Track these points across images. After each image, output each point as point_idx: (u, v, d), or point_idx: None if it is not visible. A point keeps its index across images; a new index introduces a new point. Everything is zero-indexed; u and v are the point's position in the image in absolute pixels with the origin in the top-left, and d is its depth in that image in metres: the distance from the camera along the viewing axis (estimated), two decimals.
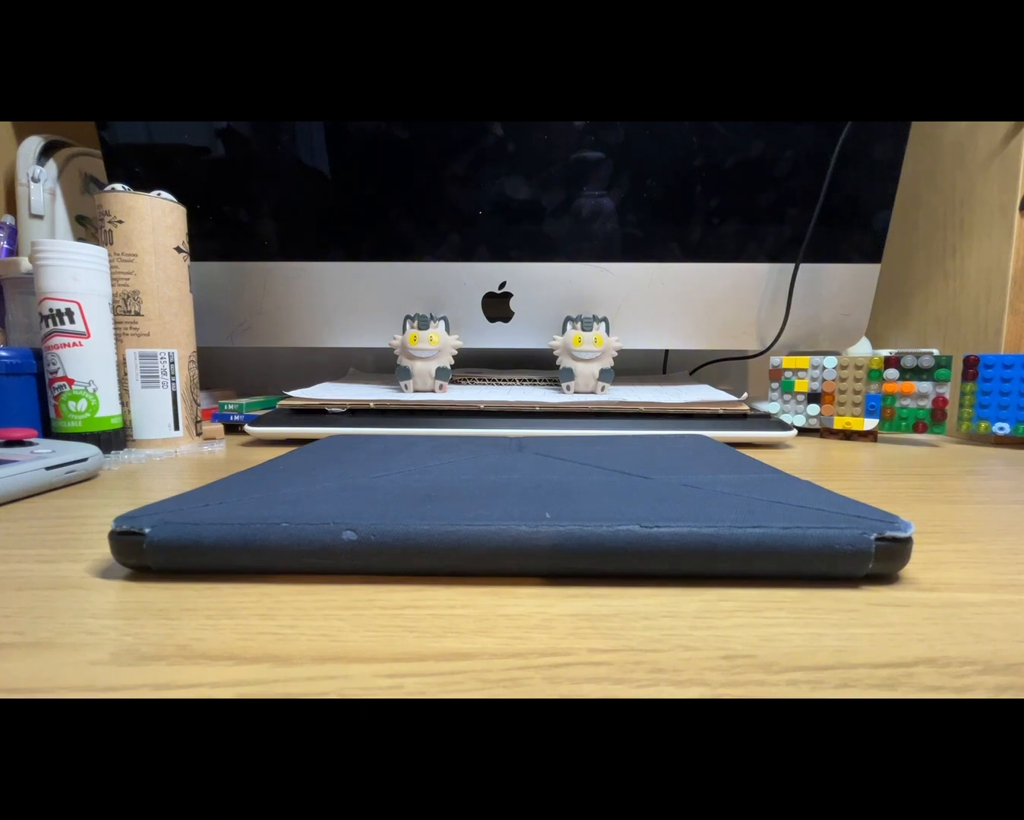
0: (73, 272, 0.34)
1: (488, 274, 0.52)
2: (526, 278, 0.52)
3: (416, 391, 0.49)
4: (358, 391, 0.49)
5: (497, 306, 0.54)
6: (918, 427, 0.42)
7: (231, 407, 0.48)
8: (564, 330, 0.49)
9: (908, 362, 0.42)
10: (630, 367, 0.66)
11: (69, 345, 0.34)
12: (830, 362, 0.45)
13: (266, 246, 0.51)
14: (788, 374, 0.47)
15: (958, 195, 0.52)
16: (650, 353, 0.67)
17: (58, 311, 0.34)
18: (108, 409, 0.36)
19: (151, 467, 0.33)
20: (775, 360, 0.48)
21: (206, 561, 0.16)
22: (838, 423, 0.45)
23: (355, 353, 0.69)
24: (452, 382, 0.53)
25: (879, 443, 0.43)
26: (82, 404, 0.35)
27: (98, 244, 0.36)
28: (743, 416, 0.44)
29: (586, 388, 0.49)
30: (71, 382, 0.35)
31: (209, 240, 0.51)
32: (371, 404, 0.44)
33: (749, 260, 0.51)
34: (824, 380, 0.46)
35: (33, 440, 0.30)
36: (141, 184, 0.40)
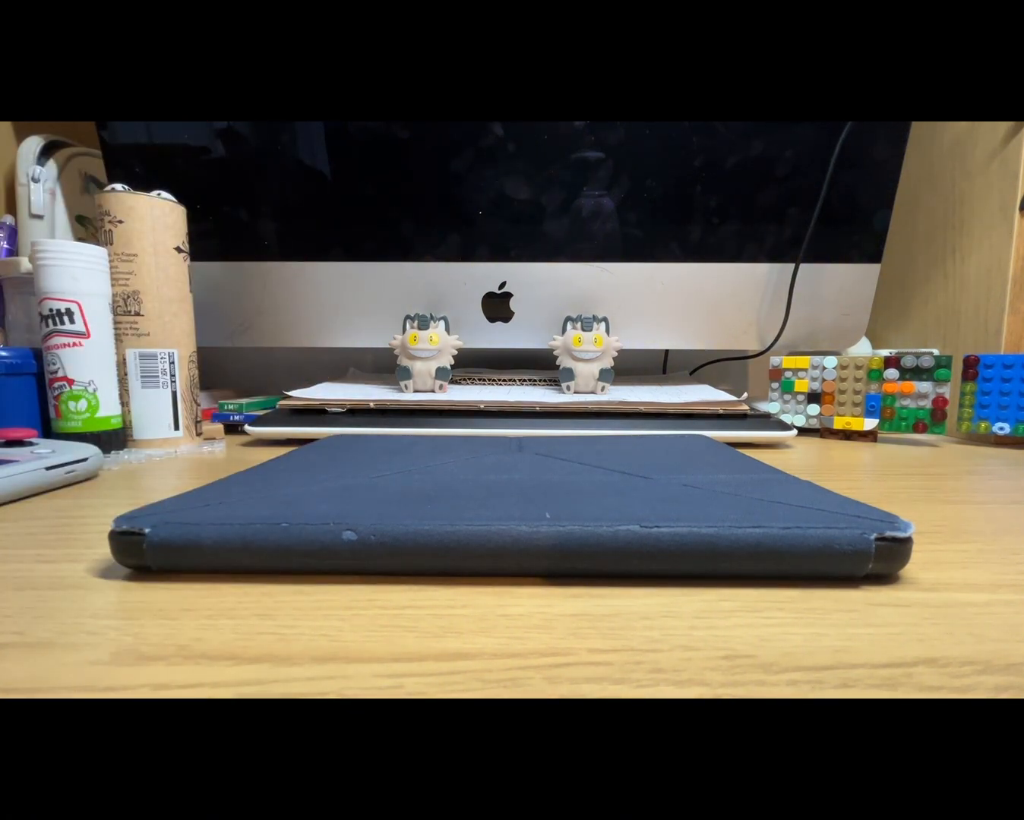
0: (73, 272, 0.34)
1: (488, 274, 0.52)
2: (526, 278, 0.52)
3: (416, 391, 0.49)
4: (358, 391, 0.49)
5: (497, 306, 0.54)
6: (918, 427, 0.42)
7: (231, 407, 0.48)
8: (564, 330, 0.49)
9: (908, 362, 0.42)
10: (630, 367, 0.66)
11: (69, 345, 0.34)
12: (830, 362, 0.45)
13: (266, 246, 0.51)
14: (788, 374, 0.47)
15: (958, 195, 0.52)
16: (650, 353, 0.67)
17: (58, 311, 0.34)
18: (108, 409, 0.36)
19: (151, 467, 0.33)
20: (775, 360, 0.48)
21: (206, 561, 0.16)
22: (838, 423, 0.45)
23: (355, 353, 0.68)
24: (452, 382, 0.53)
25: (879, 443, 0.43)
26: (82, 404, 0.35)
27: (98, 244, 0.36)
28: (743, 416, 0.44)
29: (586, 388, 0.49)
30: (71, 382, 0.35)
31: (209, 240, 0.51)
32: (371, 404, 0.44)
33: (749, 260, 0.51)
34: (824, 380, 0.46)
35: (33, 440, 0.30)
36: (141, 184, 0.40)
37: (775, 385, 0.48)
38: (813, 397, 0.46)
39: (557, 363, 0.50)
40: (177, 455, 0.37)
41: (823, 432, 0.46)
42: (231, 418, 0.48)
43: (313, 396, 0.46)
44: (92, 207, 0.51)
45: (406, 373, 0.48)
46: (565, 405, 0.44)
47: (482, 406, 0.44)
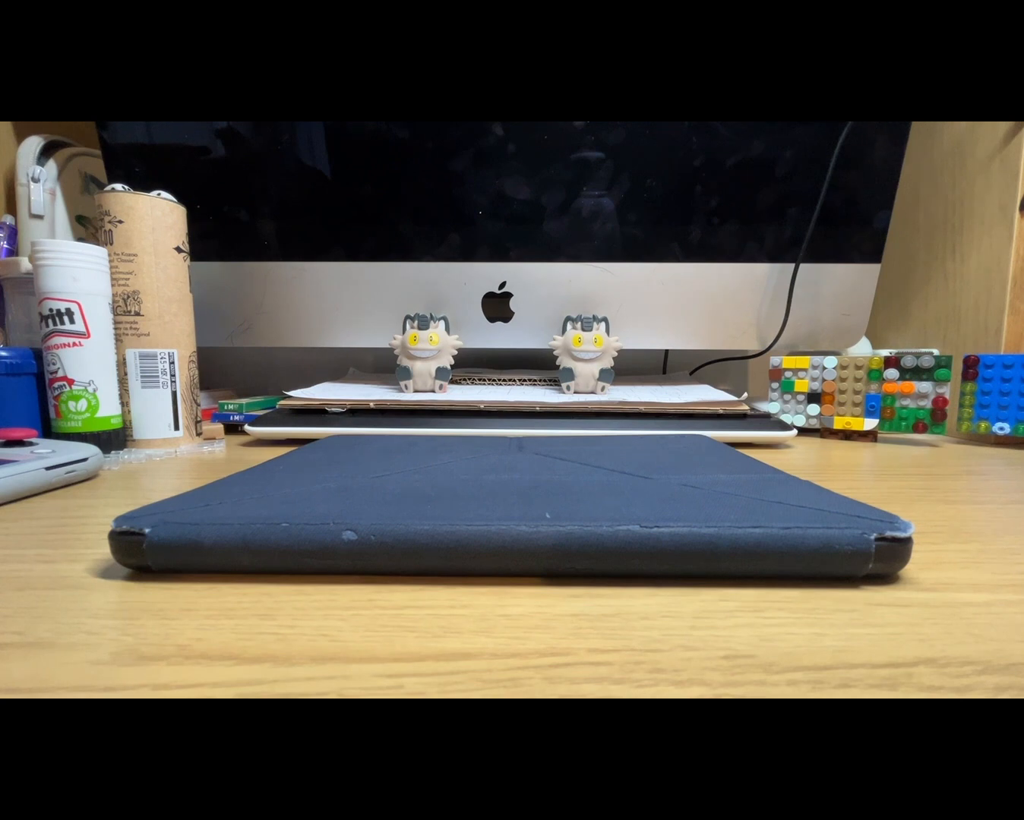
0: (73, 272, 0.34)
1: (488, 274, 0.52)
2: (526, 278, 0.52)
3: (416, 391, 0.49)
4: (358, 391, 0.49)
5: (497, 306, 0.54)
6: (918, 427, 0.42)
7: (231, 407, 0.48)
8: (564, 330, 0.49)
9: (908, 362, 0.42)
10: (630, 367, 0.66)
11: (69, 345, 0.34)
12: (830, 362, 0.45)
13: (266, 246, 0.51)
14: (788, 374, 0.47)
15: (958, 195, 0.52)
16: (650, 353, 0.67)
17: (58, 311, 0.34)
18: (108, 409, 0.36)
19: (151, 467, 0.33)
20: (775, 360, 0.48)
21: (206, 561, 0.16)
22: (838, 423, 0.45)
23: (355, 353, 0.69)
24: (452, 382, 0.53)
25: (879, 443, 0.43)
26: (82, 404, 0.35)
27: (98, 244, 0.36)
28: (743, 416, 0.44)
29: (586, 388, 0.49)
30: (71, 382, 0.35)
31: (209, 240, 0.51)
32: (371, 404, 0.44)
33: (749, 260, 0.51)
34: (824, 380, 0.46)
35: (33, 440, 0.30)
36: (141, 184, 0.40)
37: (775, 385, 0.48)
38: (813, 397, 0.46)
39: (557, 363, 0.50)
40: (177, 455, 0.37)
41: (823, 432, 0.46)
42: (231, 418, 0.48)
43: (313, 396, 0.46)
44: (92, 207, 0.51)
45: (406, 373, 0.48)
46: (565, 405, 0.44)
47: (482, 406, 0.44)
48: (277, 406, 0.45)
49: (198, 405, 0.43)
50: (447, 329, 0.49)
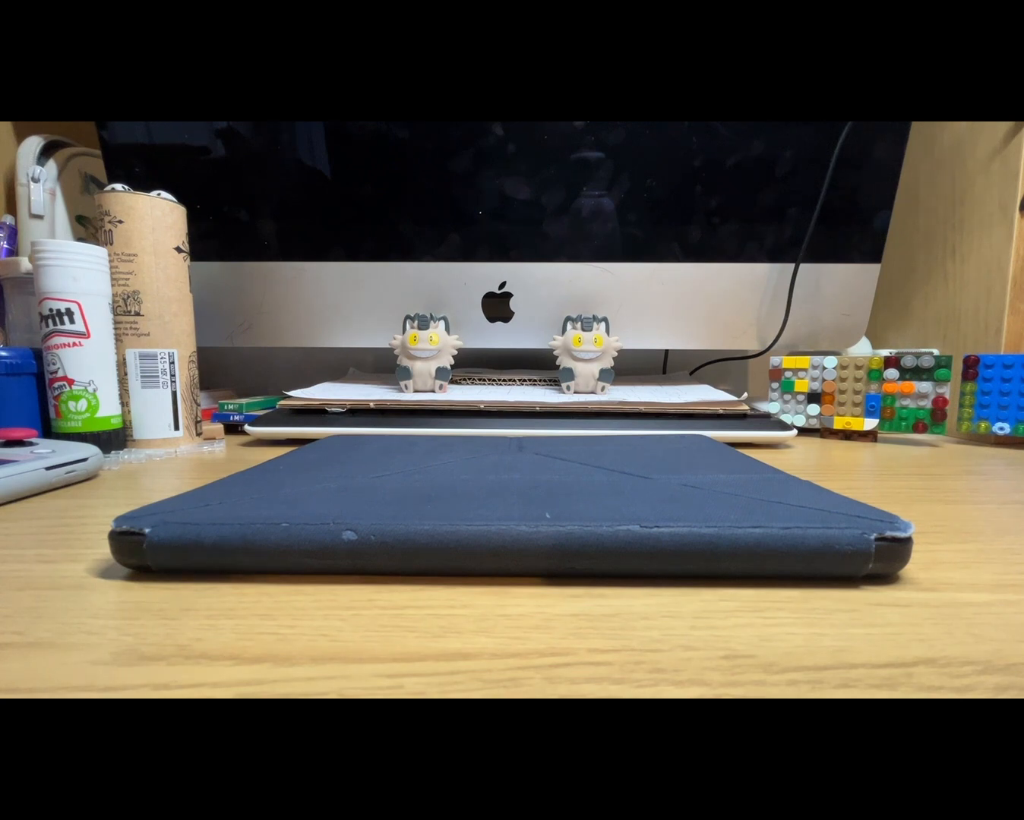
0: (73, 272, 0.34)
1: (488, 274, 0.52)
2: (526, 278, 0.52)
3: (416, 391, 0.49)
4: (358, 391, 0.49)
5: (497, 306, 0.54)
6: (918, 427, 0.42)
7: (231, 407, 0.48)
8: (564, 330, 0.49)
9: (908, 362, 0.42)
10: (630, 367, 0.66)
11: (69, 345, 0.34)
12: (830, 362, 0.45)
13: (266, 246, 0.51)
14: (788, 374, 0.47)
15: (958, 195, 0.52)
16: (650, 353, 0.67)
17: (58, 311, 0.34)
18: (108, 409, 0.36)
19: (151, 467, 0.33)
20: (775, 360, 0.48)
21: (206, 561, 0.16)
22: (838, 423, 0.45)
23: (355, 353, 0.69)
24: (452, 382, 0.53)
25: (879, 443, 0.43)
26: (82, 404, 0.35)
27: (98, 244, 0.36)
28: (743, 416, 0.44)
29: (586, 388, 0.49)
30: (71, 382, 0.35)
31: (209, 240, 0.51)
32: (371, 404, 0.44)
33: (749, 260, 0.51)
34: (824, 380, 0.46)
35: (33, 440, 0.30)
36: (141, 184, 0.40)
37: (775, 385, 0.48)
38: (813, 397, 0.46)
39: (557, 363, 0.50)
40: (177, 455, 0.37)
41: (823, 432, 0.46)
42: (231, 418, 0.48)
43: (313, 396, 0.46)
44: (92, 207, 0.51)
45: (406, 373, 0.48)
46: (565, 405, 0.44)
47: (482, 406, 0.44)
48: (277, 406, 0.45)
49: (198, 405, 0.43)
50: (447, 329, 0.49)
